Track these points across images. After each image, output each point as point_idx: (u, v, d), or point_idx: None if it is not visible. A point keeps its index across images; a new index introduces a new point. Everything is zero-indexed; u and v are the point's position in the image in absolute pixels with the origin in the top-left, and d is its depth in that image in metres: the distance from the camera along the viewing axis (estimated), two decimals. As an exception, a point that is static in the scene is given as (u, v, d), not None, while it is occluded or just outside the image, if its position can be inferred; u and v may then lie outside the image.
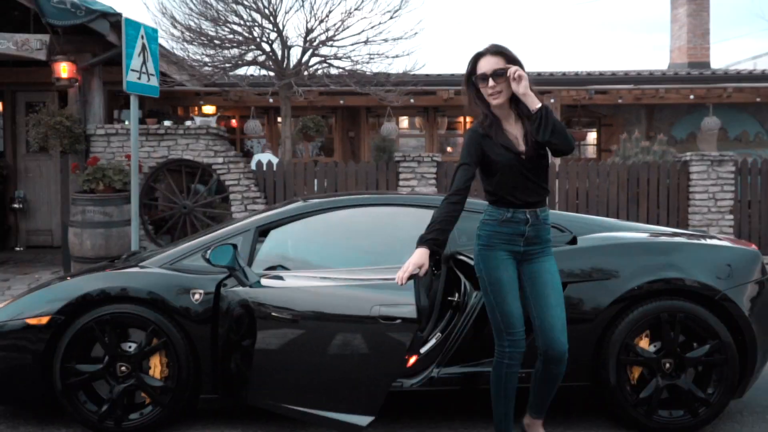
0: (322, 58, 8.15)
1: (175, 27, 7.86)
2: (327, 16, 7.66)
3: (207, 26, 7.87)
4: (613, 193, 8.24)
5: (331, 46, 7.95)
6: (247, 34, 7.90)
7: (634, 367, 3.49)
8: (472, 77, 2.97)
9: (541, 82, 11.50)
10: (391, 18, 7.76)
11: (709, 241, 3.77)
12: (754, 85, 11.19)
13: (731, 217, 8.24)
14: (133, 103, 6.29)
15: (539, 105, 2.80)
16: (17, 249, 10.22)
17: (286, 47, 7.95)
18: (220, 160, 7.98)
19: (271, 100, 9.28)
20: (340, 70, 8.30)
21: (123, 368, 3.41)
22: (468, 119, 12.97)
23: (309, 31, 7.89)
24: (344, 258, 3.73)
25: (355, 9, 7.54)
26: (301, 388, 3.21)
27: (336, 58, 8.05)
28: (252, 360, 3.26)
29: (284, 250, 3.75)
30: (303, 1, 7.53)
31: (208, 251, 3.36)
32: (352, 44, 7.91)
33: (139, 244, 6.59)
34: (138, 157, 7.74)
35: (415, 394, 3.43)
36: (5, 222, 10.43)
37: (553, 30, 47.81)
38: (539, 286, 2.98)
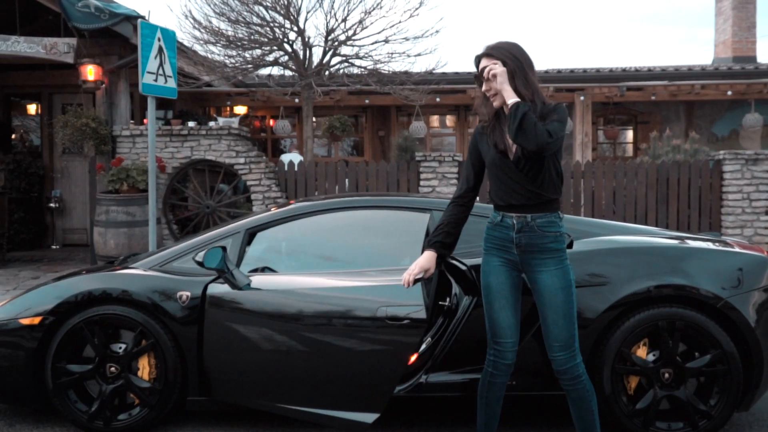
0: (344, 58, 8.13)
1: (197, 29, 7.96)
2: (347, 15, 7.64)
3: (229, 28, 7.94)
4: (642, 193, 7.99)
5: (351, 45, 7.92)
6: (269, 35, 7.93)
7: (631, 377, 3.35)
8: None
9: (571, 79, 11.26)
10: (411, 16, 7.69)
11: (714, 246, 3.58)
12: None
13: (767, 218, 7.90)
14: (151, 104, 6.38)
15: (511, 101, 2.69)
16: (53, 247, 10.51)
17: (307, 47, 7.96)
18: (242, 160, 8.05)
19: (297, 100, 9.31)
20: (362, 69, 8.26)
21: (112, 369, 3.44)
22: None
23: (330, 31, 7.88)
24: (334, 260, 3.69)
25: (374, 8, 7.49)
26: (301, 388, 3.22)
27: (357, 57, 8.02)
28: (245, 361, 3.28)
29: (273, 253, 3.73)
30: (322, 1, 7.53)
31: (200, 254, 3.36)
32: (372, 43, 7.88)
33: (162, 244, 6.69)
34: (155, 158, 7.91)
35: (403, 400, 3.36)
36: (42, 221, 10.75)
37: (590, 25, 46.83)
38: (538, 303, 2.85)
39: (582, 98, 10.43)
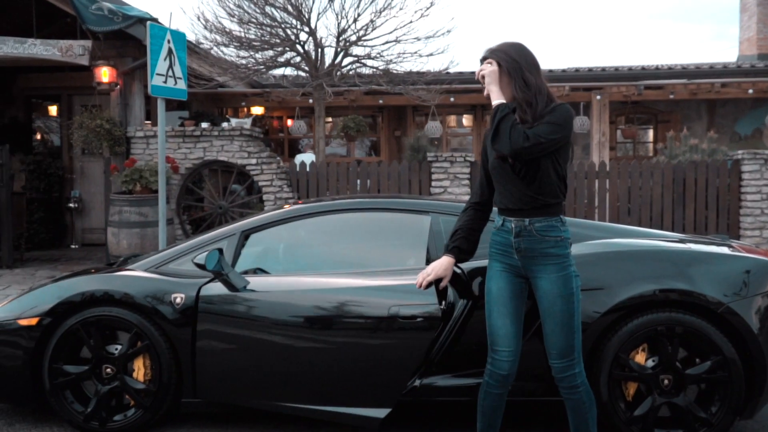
0: (355, 58, 8.11)
1: (210, 30, 8.00)
2: (358, 16, 7.62)
3: (240, 29, 7.97)
4: (658, 194, 7.85)
5: (363, 45, 7.91)
6: (281, 36, 7.95)
7: (629, 383, 3.29)
8: None
9: (588, 77, 11.12)
10: (422, 16, 7.65)
11: (715, 250, 3.50)
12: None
13: (787, 219, 7.72)
14: (160, 106, 6.42)
15: (494, 103, 2.64)
16: (73, 247, 10.66)
17: (319, 48, 7.96)
18: (254, 161, 8.08)
19: (310, 101, 9.32)
20: (374, 69, 8.24)
21: (108, 370, 3.47)
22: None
23: (341, 32, 7.87)
24: (331, 262, 3.68)
25: (384, 8, 7.46)
26: (308, 386, 3.26)
27: (369, 57, 8.00)
28: (245, 361, 3.30)
29: (269, 254, 3.73)
30: (332, 2, 7.51)
31: (199, 256, 3.37)
32: (383, 44, 7.85)
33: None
34: (168, 159, 7.97)
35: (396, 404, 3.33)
36: (62, 221, 10.91)
37: (614, 23, 46.26)
38: (539, 309, 2.79)
39: (598, 97, 10.29)
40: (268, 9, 7.72)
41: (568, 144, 2.71)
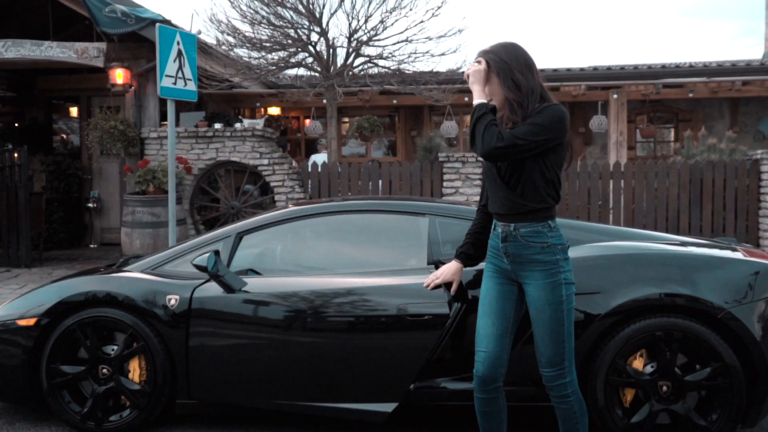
0: (367, 58, 8.09)
1: (222, 32, 8.05)
2: (369, 16, 7.60)
3: (253, 30, 8.00)
4: (674, 194, 7.71)
5: (374, 45, 7.89)
6: (294, 36, 7.96)
7: (627, 389, 3.22)
8: None
9: (607, 76, 10.97)
10: (433, 16, 7.60)
11: (716, 253, 3.41)
12: None
13: (808, 220, 7.52)
14: (170, 107, 6.47)
15: (474, 102, 2.59)
16: (92, 246, 10.80)
17: (330, 48, 7.96)
18: (266, 161, 8.11)
19: (324, 101, 9.31)
20: (385, 69, 8.22)
21: (104, 370, 3.49)
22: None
23: (353, 32, 7.85)
24: (327, 263, 3.66)
25: (394, 8, 7.43)
26: (312, 384, 3.29)
27: (380, 57, 7.98)
28: (244, 363, 3.32)
29: (263, 256, 3.72)
30: (343, 2, 7.50)
31: (198, 258, 3.38)
32: (394, 44, 7.82)
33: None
34: (181, 159, 8.03)
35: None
36: (81, 220, 11.07)
37: (639, 20, 45.58)
38: (530, 317, 2.74)
39: (615, 96, 10.14)
40: (279, 10, 7.73)
41: (560, 146, 2.59)
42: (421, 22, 7.56)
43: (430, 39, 7.79)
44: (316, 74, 8.43)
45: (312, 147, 13.51)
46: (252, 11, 7.85)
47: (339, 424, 3.52)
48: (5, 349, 3.55)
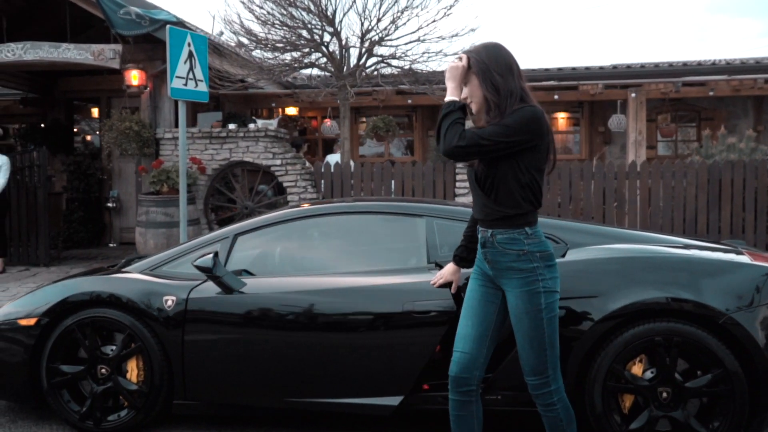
0: (380, 58, 8.07)
1: (236, 33, 8.10)
2: (381, 16, 7.59)
3: (266, 31, 8.03)
4: (692, 195, 7.56)
5: (386, 45, 7.87)
6: (307, 37, 7.97)
7: (625, 395, 3.15)
8: None
9: (626, 74, 10.81)
10: (446, 15, 7.55)
11: (718, 256, 3.33)
12: None
13: (830, 222, 7.32)
14: (181, 108, 6.51)
15: (445, 99, 2.56)
16: (111, 245, 10.94)
17: (343, 48, 7.95)
18: (278, 161, 8.13)
19: (337, 101, 9.32)
20: (398, 69, 8.19)
21: (103, 370, 3.52)
22: (560, 116, 12.46)
23: (366, 32, 7.84)
24: (324, 264, 3.65)
25: (406, 7, 7.40)
26: (325, 381, 3.30)
27: (393, 57, 7.95)
28: (248, 362, 3.34)
29: (260, 257, 3.72)
30: (354, 2, 7.50)
31: (198, 259, 3.39)
32: (406, 43, 7.79)
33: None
34: (195, 160, 8.09)
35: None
36: (101, 220, 11.22)
37: (667, 18, 44.83)
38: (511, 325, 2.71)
39: (633, 95, 9.98)
40: (292, 10, 7.74)
41: (535, 149, 2.50)
42: (434, 21, 7.53)
43: (443, 38, 7.75)
44: (329, 74, 8.44)
45: (329, 147, 13.53)
46: (265, 12, 7.88)
47: (339, 424, 3.51)
48: (8, 348, 3.59)
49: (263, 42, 7.95)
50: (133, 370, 3.51)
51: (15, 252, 8.87)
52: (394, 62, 8.00)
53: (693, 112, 12.29)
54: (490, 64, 2.53)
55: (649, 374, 3.13)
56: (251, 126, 8.47)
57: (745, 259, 3.29)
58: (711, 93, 9.93)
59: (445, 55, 7.94)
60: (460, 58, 2.59)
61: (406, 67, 7.92)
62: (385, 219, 3.68)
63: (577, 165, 7.74)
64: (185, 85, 6.35)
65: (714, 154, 7.89)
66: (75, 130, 11.99)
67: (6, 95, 12.19)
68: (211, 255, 3.35)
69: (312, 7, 7.49)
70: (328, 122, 12.00)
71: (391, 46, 7.84)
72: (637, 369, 3.14)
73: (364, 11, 7.54)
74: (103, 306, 3.51)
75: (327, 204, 3.80)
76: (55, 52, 8.27)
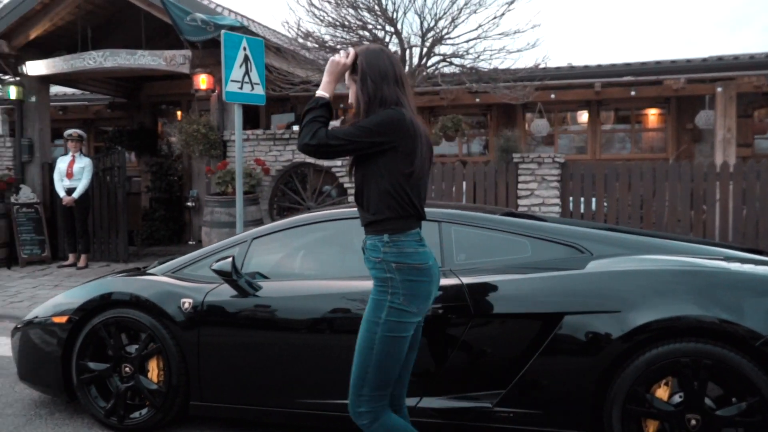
0: (441, 57, 7.91)
1: (296, 36, 8.16)
2: (443, 13, 7.42)
3: (327, 32, 8.06)
4: (781, 198, 6.93)
5: (448, 44, 7.69)
6: (368, 38, 7.93)
7: (648, 420, 2.90)
8: None
9: (716, 67, 10.09)
10: (507, 11, 7.29)
11: (758, 271, 2.99)
12: None
13: None
14: (237, 112, 6.64)
15: (315, 94, 2.51)
16: (190, 243, 11.36)
17: (404, 48, 7.86)
18: (338, 162, 8.14)
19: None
20: (461, 68, 8.00)
21: (127, 369, 3.62)
22: (650, 113, 11.83)
23: (427, 31, 7.71)
24: (334, 267, 3.59)
25: (465, 4, 7.20)
26: (338, 384, 3.19)
27: (455, 56, 7.77)
28: (261, 365, 3.36)
29: (276, 261, 3.70)
30: (414, 1, 7.37)
31: (215, 263, 3.43)
32: (466, 41, 7.58)
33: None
34: (259, 161, 8.23)
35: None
36: (182, 218, 11.70)
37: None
38: None
39: (720, 89, 9.29)
40: (353, 11, 7.72)
41: (393, 152, 2.37)
42: (494, 18, 7.29)
43: (506, 35, 7.49)
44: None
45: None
46: (325, 14, 7.90)
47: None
48: (45, 343, 3.77)
49: (322, 43, 7.97)
50: (153, 369, 3.59)
51: (98, 248, 9.38)
52: (456, 60, 7.82)
53: (795, 106, 11.30)
54: (367, 69, 2.45)
55: (677, 398, 2.86)
56: (315, 127, 8.53)
57: (790, 274, 2.95)
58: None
59: (508, 52, 7.69)
60: (348, 54, 2.51)
61: (469, 65, 7.72)
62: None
63: (649, 165, 7.29)
64: (240, 88, 6.47)
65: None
66: (159, 132, 12.54)
67: (97, 100, 12.94)
68: (229, 259, 3.37)
69: (376, 8, 7.44)
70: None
71: (451, 44, 7.67)
72: (662, 392, 2.88)
73: (423, 9, 7.41)
74: (127, 306, 3.61)
75: (342, 209, 3.73)
76: (132, 59, 8.67)
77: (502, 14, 7.21)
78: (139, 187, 11.85)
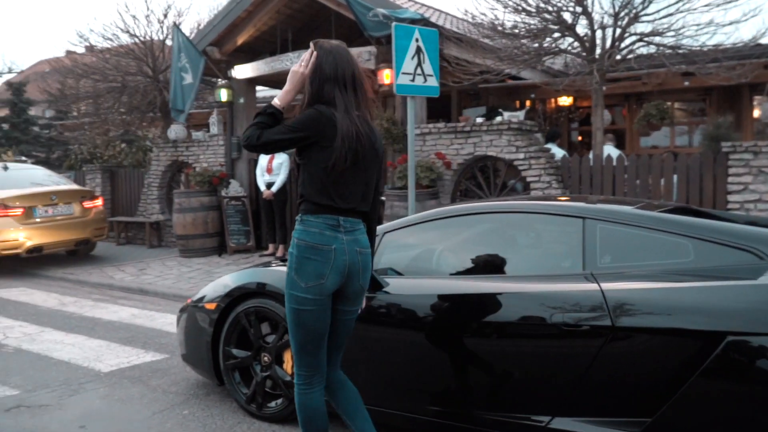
0: (638, 37, 7.11)
1: (477, 26, 7.88)
2: (639, -13, 6.65)
3: (510, 19, 7.66)
4: None
5: (643, 21, 6.87)
6: (555, 21, 7.40)
7: None
8: None
9: None
10: (715, -25, 6.30)
11: None
12: None
13: None
14: (410, 104, 6.56)
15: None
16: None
17: (593, 30, 7.19)
18: (522, 155, 7.72)
19: (604, 88, 8.48)
20: (660, 48, 7.11)
21: (266, 358, 3.68)
22: None
23: (621, 7, 6.97)
24: (468, 265, 3.30)
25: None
26: (464, 391, 3.07)
27: (654, 34, 6.92)
28: (390, 365, 3.25)
29: (409, 256, 3.50)
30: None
31: None
32: (662, 17, 6.70)
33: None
34: (439, 155, 8.10)
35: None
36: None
37: None
38: None
39: None
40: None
41: (316, 146, 2.56)
42: (699, -14, 6.35)
43: (716, 5, 6.48)
44: (580, 60, 7.73)
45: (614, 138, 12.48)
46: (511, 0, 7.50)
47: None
48: (198, 327, 3.98)
49: (506, 31, 7.59)
50: (288, 361, 3.60)
51: (294, 240, 9.95)
52: (655, 39, 6.96)
53: None
54: (314, 70, 2.63)
55: None
56: (498, 119, 8.20)
57: None
58: None
59: (719, 26, 6.65)
60: (306, 64, 2.64)
61: (670, 43, 6.82)
62: (539, 219, 3.20)
63: None
64: (412, 80, 6.37)
65: None
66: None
67: (295, 101, 13.74)
68: None
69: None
70: (606, 113, 11.06)
71: (647, 21, 6.84)
72: None
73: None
74: (266, 297, 3.66)
75: (478, 203, 3.43)
76: (323, 58, 9.01)
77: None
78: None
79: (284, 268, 3.68)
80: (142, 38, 12.01)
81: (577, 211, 3.01)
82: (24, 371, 4.63)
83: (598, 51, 7.38)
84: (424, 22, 7.82)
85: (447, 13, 11.28)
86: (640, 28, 7.06)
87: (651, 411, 2.55)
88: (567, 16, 7.20)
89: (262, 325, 3.73)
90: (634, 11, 6.83)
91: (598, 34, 7.30)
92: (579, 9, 7.17)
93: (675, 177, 7.02)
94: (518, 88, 10.75)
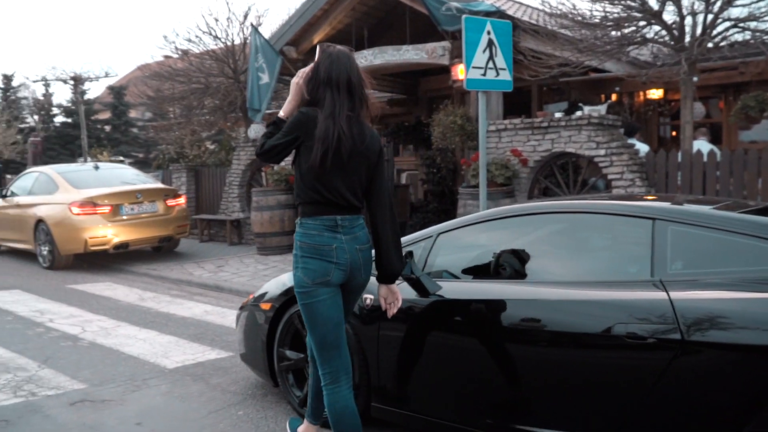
0: (733, 22, 6.57)
1: (553, 16, 7.53)
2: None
3: (590, 8, 7.27)
4: None
5: (737, 5, 6.33)
6: (640, 8, 6.96)
7: None
8: None
9: None
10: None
11: None
12: None
13: None
14: (481, 100, 6.35)
15: None
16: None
17: (681, 17, 6.70)
18: (602, 152, 7.32)
19: (695, 79, 7.92)
20: (758, 33, 6.53)
21: (318, 361, 3.59)
22: None
23: (712, -6, 6.46)
24: (527, 268, 3.07)
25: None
26: (515, 405, 2.90)
27: (750, 19, 6.37)
28: (439, 373, 3.09)
29: (460, 258, 3.31)
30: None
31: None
32: (759, 0, 6.14)
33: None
34: (516, 152, 7.82)
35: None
36: (453, 211, 11.78)
37: None
38: None
39: None
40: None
41: (303, 147, 2.69)
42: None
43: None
44: (667, 49, 7.23)
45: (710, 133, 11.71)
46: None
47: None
48: (254, 327, 3.94)
49: (585, 21, 7.20)
50: (339, 365, 3.49)
51: (368, 238, 9.90)
52: (752, 24, 6.41)
53: None
54: (311, 74, 2.76)
55: None
56: (578, 113, 7.81)
57: None
58: None
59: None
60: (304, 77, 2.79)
61: (765, 27, 6.25)
62: (604, 220, 2.93)
63: None
64: (483, 75, 6.16)
65: None
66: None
67: (378, 98, 13.73)
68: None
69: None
70: (697, 106, 10.36)
71: (743, 5, 6.29)
72: None
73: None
74: (318, 298, 3.57)
75: (539, 203, 3.20)
76: (397, 54, 8.92)
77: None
78: (408, 179, 12.26)
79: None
80: (223, 40, 12.32)
81: (647, 212, 2.74)
82: (94, 365, 4.77)
83: (687, 39, 6.88)
84: (498, 14, 7.56)
85: (525, 5, 10.92)
86: (735, 12, 6.53)
87: (725, 437, 2.27)
88: (653, 3, 6.75)
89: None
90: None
91: (688, 20, 6.81)
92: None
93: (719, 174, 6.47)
94: (602, 81, 10.25)
